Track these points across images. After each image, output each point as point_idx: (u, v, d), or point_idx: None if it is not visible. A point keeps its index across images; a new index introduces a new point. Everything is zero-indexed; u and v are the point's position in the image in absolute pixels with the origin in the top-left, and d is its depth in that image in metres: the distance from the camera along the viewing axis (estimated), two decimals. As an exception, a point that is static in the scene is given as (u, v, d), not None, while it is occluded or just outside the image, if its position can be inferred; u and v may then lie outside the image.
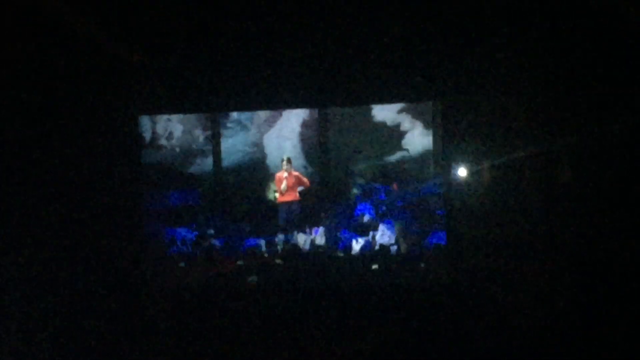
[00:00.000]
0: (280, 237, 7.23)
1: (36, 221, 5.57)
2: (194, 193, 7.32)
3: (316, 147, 7.39)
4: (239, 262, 6.96)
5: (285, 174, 7.21)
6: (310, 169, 7.43)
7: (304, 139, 7.48)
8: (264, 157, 7.48)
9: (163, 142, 7.33)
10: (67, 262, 5.76)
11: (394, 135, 7.22)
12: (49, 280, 5.57)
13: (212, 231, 7.23)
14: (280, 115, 7.53)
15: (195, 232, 7.20)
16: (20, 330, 5.21)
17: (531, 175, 5.88)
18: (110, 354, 5.62)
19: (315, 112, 7.41)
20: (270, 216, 7.37)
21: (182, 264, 7.03)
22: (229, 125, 7.55)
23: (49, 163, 5.74)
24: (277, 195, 7.32)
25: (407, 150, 7.12)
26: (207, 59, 6.27)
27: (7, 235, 5.34)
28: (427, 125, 7.17)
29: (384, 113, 7.27)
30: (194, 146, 7.42)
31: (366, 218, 7.24)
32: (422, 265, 6.80)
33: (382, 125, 7.28)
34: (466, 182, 6.24)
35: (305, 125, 7.49)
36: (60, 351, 5.42)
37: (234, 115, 7.49)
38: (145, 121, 7.10)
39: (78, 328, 5.65)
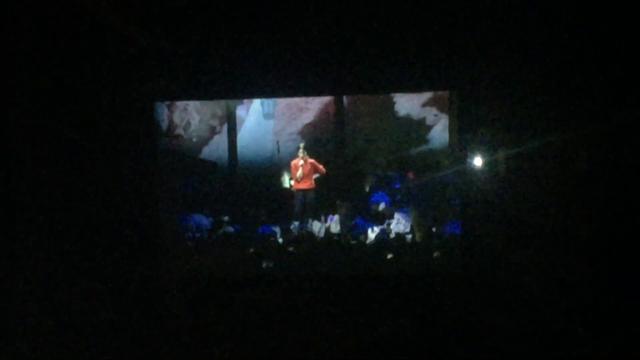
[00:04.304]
0: (295, 224, 7.25)
1: (51, 207, 5.62)
2: (209, 180, 7.33)
3: (333, 135, 7.38)
4: (251, 250, 7.03)
5: (301, 162, 7.22)
6: (326, 157, 7.39)
7: (321, 127, 7.46)
8: (279, 145, 7.48)
9: (180, 131, 7.34)
10: (82, 248, 5.80)
11: (416, 127, 7.16)
12: (64, 266, 5.62)
13: (226, 218, 7.25)
14: (298, 103, 7.52)
15: (210, 219, 7.23)
16: (35, 314, 5.28)
17: (547, 165, 5.85)
18: (123, 341, 5.66)
19: (333, 100, 7.39)
20: (285, 203, 7.37)
21: (196, 250, 7.08)
22: (244, 113, 7.56)
23: (65, 148, 5.79)
24: (292, 182, 7.33)
25: (427, 141, 7.08)
26: (224, 45, 6.27)
27: (23, 220, 5.40)
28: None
29: (407, 105, 7.22)
30: (210, 135, 7.42)
31: (381, 206, 7.23)
32: (437, 254, 6.78)
33: (404, 117, 7.23)
34: (482, 172, 6.21)
35: (322, 113, 7.48)
36: (74, 336, 5.47)
37: (250, 103, 7.49)
38: (162, 110, 7.13)
39: (92, 315, 5.70)
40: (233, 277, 6.78)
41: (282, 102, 7.49)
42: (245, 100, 7.46)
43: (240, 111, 7.48)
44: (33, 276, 5.37)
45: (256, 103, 7.56)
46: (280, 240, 7.20)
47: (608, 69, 5.24)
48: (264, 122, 7.53)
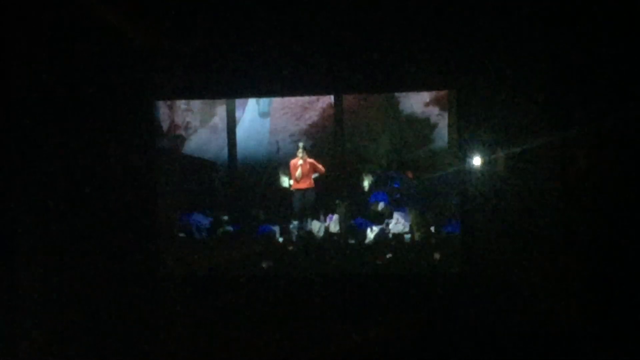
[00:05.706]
0: (294, 224, 7.25)
1: (50, 207, 5.61)
2: (209, 179, 7.33)
3: (331, 134, 7.37)
4: (251, 249, 7.02)
5: (301, 161, 7.22)
6: (324, 157, 7.38)
7: (320, 127, 7.45)
8: (278, 144, 7.47)
9: (181, 131, 7.33)
10: (81, 247, 5.80)
11: (421, 126, 7.15)
12: (63, 266, 5.61)
13: (226, 217, 7.25)
14: (297, 102, 7.51)
15: (210, 218, 7.23)
16: (35, 313, 5.27)
17: (547, 164, 5.85)
18: (123, 340, 5.66)
19: (333, 100, 7.37)
20: (284, 203, 7.37)
21: (196, 249, 7.07)
22: (240, 112, 7.54)
23: (65, 147, 5.78)
24: (291, 182, 7.32)
25: (432, 141, 7.07)
26: (225, 44, 6.27)
27: (23, 219, 5.40)
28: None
29: (411, 104, 7.20)
30: (210, 134, 7.41)
31: (380, 206, 7.23)
32: (436, 254, 6.78)
33: (409, 116, 7.22)
34: (481, 172, 6.21)
35: (322, 113, 7.47)
36: (74, 335, 5.47)
37: (250, 102, 7.48)
38: (163, 110, 7.13)
39: (92, 314, 5.69)
40: (233, 276, 6.77)
41: (278, 100, 7.48)
42: (240, 100, 7.43)
43: (239, 108, 7.46)
44: (32, 275, 5.37)
45: (252, 102, 7.54)
46: (280, 239, 7.20)
47: (608, 69, 5.24)
48: (259, 121, 7.52)
